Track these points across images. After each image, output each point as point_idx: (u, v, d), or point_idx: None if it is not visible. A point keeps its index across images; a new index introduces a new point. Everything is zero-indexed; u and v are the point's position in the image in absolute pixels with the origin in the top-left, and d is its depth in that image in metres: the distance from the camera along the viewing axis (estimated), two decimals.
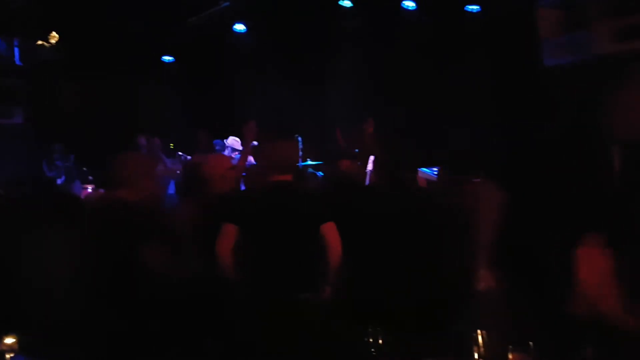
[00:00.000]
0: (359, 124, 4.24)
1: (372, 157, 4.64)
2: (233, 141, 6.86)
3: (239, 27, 8.33)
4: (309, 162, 7.28)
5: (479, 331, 2.25)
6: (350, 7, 7.97)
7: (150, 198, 2.83)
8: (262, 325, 2.65)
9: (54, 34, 7.72)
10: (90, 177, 7.44)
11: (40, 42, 7.75)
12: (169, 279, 2.55)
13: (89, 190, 7.04)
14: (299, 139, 7.70)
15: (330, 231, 2.81)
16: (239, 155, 6.56)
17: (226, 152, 6.75)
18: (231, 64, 8.25)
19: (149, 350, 2.43)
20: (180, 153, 7.02)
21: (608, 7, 4.46)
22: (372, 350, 2.37)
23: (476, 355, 2.23)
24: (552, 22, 5.07)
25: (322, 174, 6.01)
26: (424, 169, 6.32)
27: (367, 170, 4.75)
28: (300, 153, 7.71)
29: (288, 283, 2.76)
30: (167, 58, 8.90)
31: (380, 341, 2.39)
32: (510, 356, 2.14)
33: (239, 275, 2.74)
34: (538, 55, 5.41)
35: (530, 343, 2.15)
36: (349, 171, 3.72)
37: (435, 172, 6.16)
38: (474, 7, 7.51)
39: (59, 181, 7.64)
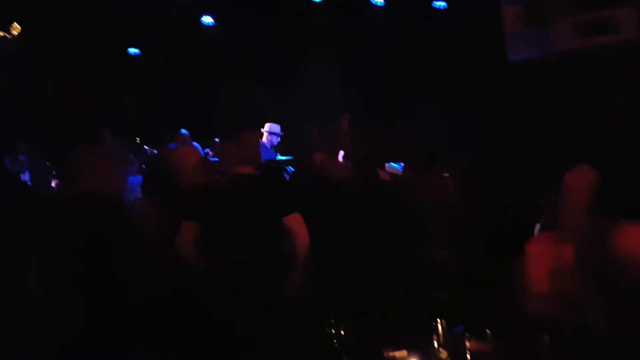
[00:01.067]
0: (334, 120, 4.24)
1: (342, 152, 4.65)
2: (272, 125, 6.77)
3: (207, 19, 8.24)
4: (279, 158, 7.26)
5: (438, 320, 2.29)
6: (320, 2, 7.97)
7: (113, 190, 2.78)
8: (228, 318, 2.63)
9: (15, 25, 7.52)
10: (54, 172, 7.29)
11: (1, 34, 7.54)
12: (137, 273, 2.51)
13: (53, 185, 6.90)
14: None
15: (295, 222, 2.80)
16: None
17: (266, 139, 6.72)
18: (199, 57, 8.16)
19: (119, 346, 2.40)
20: (146, 147, 6.93)
21: (569, 4, 4.55)
22: (335, 342, 2.39)
23: (436, 344, 2.27)
24: (515, 18, 5.15)
25: (292, 169, 6.00)
26: (392, 164, 6.38)
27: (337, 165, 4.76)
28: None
29: (252, 276, 2.75)
30: (133, 50, 8.76)
31: (343, 333, 2.42)
32: (467, 344, 2.18)
33: (202, 269, 2.71)
34: (503, 50, 5.51)
35: (488, 331, 2.20)
36: (322, 164, 3.72)
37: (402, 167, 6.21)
38: (441, 4, 7.61)
39: (23, 177, 7.47)
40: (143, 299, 2.47)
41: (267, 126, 6.88)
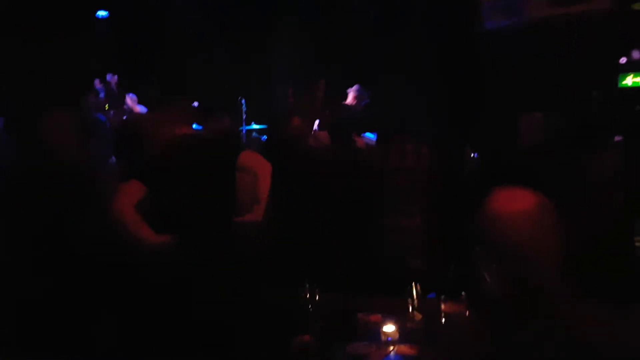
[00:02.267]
0: (311, 85, 4.17)
1: (317, 121, 4.62)
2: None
3: None
4: (254, 126, 7.19)
5: (413, 284, 2.32)
6: None
7: (81, 160, 2.70)
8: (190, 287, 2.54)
9: None
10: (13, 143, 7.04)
11: None
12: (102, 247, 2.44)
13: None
14: (242, 101, 7.59)
15: (249, 158, 2.69)
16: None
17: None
18: (169, 23, 7.95)
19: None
20: (112, 113, 6.77)
21: None
22: (310, 306, 2.40)
23: (410, 308, 2.30)
24: None
25: (266, 138, 5.94)
26: (368, 134, 6.38)
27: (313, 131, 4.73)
28: (244, 116, 7.61)
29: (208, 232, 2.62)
30: (101, 13, 8.47)
31: (317, 298, 2.42)
32: (442, 306, 2.21)
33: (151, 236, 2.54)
34: (479, 18, 5.50)
35: (463, 293, 2.23)
36: (298, 129, 3.67)
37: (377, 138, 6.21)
38: None
39: None
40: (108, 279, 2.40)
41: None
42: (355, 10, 7.47)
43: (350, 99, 6.18)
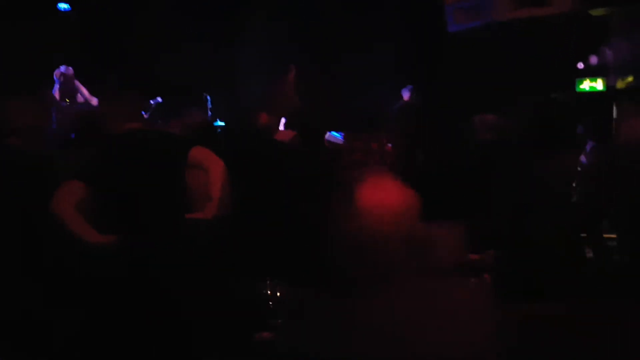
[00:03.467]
0: (281, 73, 4.14)
1: (283, 120, 4.62)
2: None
3: None
4: (218, 123, 7.13)
5: None
6: None
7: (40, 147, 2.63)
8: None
9: None
10: None
11: None
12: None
13: None
14: (208, 97, 7.52)
15: (199, 153, 2.57)
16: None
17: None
18: (135, 17, 7.81)
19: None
20: (65, 105, 6.61)
21: None
22: (270, 303, 2.39)
23: None
24: None
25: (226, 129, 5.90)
26: (333, 133, 6.41)
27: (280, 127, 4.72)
28: (210, 113, 7.53)
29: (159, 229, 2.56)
30: (62, 6, 8.26)
31: (279, 294, 2.41)
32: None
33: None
34: (443, 20, 5.59)
35: None
36: (266, 124, 3.65)
37: (343, 136, 6.25)
38: None
39: None
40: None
41: None
42: (326, 10, 7.51)
43: (405, 97, 6.25)
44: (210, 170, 2.53)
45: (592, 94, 6.12)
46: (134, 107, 2.78)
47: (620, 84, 6.01)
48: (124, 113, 2.67)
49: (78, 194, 2.38)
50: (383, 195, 1.33)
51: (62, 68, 6.72)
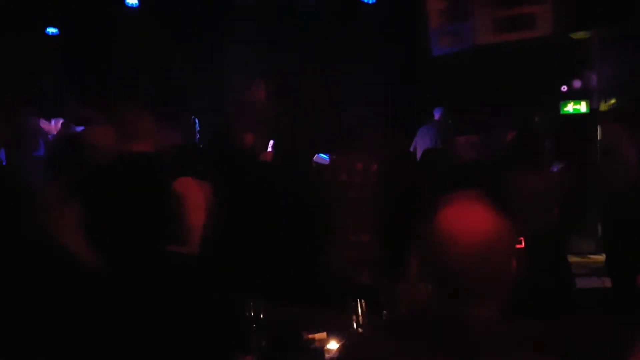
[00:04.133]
0: (250, 87, 4.13)
1: (271, 142, 4.61)
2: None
3: (131, 0, 7.94)
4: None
5: (358, 301, 2.31)
6: None
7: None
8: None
9: None
10: None
11: None
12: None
13: None
14: (196, 120, 7.52)
15: (183, 184, 2.60)
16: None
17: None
18: (122, 39, 7.85)
19: None
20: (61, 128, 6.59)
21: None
22: (254, 325, 2.36)
23: (355, 325, 2.28)
24: (439, 13, 5.30)
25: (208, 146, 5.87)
26: (321, 155, 6.41)
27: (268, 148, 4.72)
28: (197, 136, 7.53)
29: (148, 255, 2.54)
30: (51, 30, 8.29)
31: (262, 316, 2.38)
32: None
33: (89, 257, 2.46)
34: (427, 43, 5.66)
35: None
36: (252, 146, 3.64)
37: (330, 157, 6.24)
38: None
39: None
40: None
41: None
42: (310, 31, 7.59)
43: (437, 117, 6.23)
44: (189, 204, 2.53)
45: (576, 116, 6.21)
46: (129, 127, 2.75)
47: (603, 106, 6.10)
48: (120, 133, 2.66)
49: (74, 212, 2.38)
50: (476, 222, 1.20)
51: (52, 122, 6.67)
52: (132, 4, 7.97)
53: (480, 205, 1.23)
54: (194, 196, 2.56)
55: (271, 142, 4.58)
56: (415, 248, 1.29)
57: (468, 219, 1.20)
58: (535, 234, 2.54)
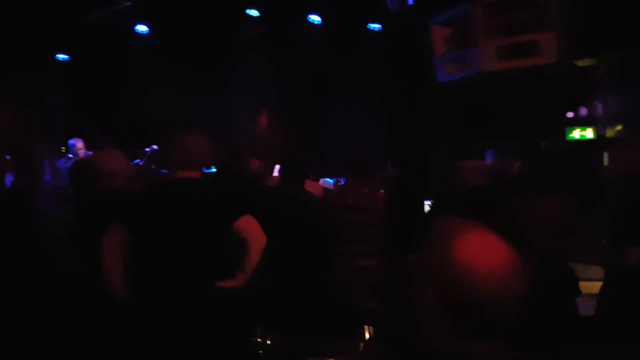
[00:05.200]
0: (254, 116, 4.17)
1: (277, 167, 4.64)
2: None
3: (142, 27, 8.08)
4: (213, 170, 7.14)
5: (365, 327, 2.29)
6: (257, 17, 7.99)
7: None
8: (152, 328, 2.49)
9: None
10: None
11: None
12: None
13: None
14: None
15: (248, 223, 2.65)
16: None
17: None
18: (132, 66, 7.97)
19: None
20: (70, 155, 6.64)
21: (495, 27, 4.78)
22: (260, 351, 2.34)
23: (361, 351, 2.26)
24: (444, 40, 5.35)
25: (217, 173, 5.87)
26: (327, 179, 6.42)
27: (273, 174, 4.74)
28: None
29: (182, 284, 2.59)
30: (61, 56, 8.44)
31: (269, 342, 2.37)
32: None
33: (130, 292, 2.51)
34: (433, 71, 5.71)
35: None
36: (258, 171, 3.67)
37: (337, 182, 6.24)
38: (375, 26, 7.84)
39: None
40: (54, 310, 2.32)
41: None
42: (317, 58, 7.68)
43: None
44: (252, 243, 2.59)
45: (582, 142, 6.22)
46: (194, 151, 2.77)
47: (610, 133, 6.11)
48: (177, 158, 2.69)
49: (121, 238, 2.44)
50: (487, 254, 1.18)
51: (71, 141, 6.73)
52: (142, 31, 8.11)
53: (492, 235, 1.22)
54: (256, 237, 2.61)
55: (277, 167, 4.60)
56: (423, 276, 1.27)
57: (483, 250, 1.19)
58: (544, 260, 2.52)
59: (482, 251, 1.20)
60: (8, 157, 2.84)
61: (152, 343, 2.44)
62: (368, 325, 2.29)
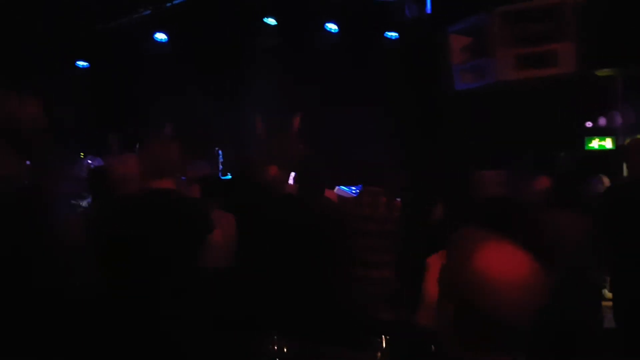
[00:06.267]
0: (286, 116, 4.16)
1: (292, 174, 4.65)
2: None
3: (160, 36, 8.17)
4: (229, 177, 7.20)
5: (382, 337, 2.29)
6: (274, 25, 8.05)
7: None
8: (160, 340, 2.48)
9: None
10: None
11: None
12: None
13: None
14: (220, 152, 7.63)
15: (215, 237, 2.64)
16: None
17: None
18: (150, 73, 8.06)
19: None
20: (89, 161, 6.72)
21: (512, 36, 4.78)
22: (277, 359, 2.35)
23: None
24: (461, 48, 5.35)
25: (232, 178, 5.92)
26: (343, 187, 6.41)
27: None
28: (221, 167, 7.63)
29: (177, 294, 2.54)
30: (81, 63, 8.56)
31: (285, 350, 2.38)
32: None
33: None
34: (450, 79, 5.71)
35: (432, 347, 2.20)
36: (276, 178, 3.68)
37: (354, 190, 6.25)
38: (392, 34, 7.85)
39: None
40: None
41: None
42: (335, 67, 7.70)
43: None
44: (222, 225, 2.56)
45: (600, 152, 6.16)
46: (161, 158, 2.73)
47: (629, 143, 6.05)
48: (150, 166, 2.66)
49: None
50: (503, 263, 1.18)
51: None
52: (160, 39, 8.20)
53: (511, 246, 1.22)
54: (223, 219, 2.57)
55: (292, 174, 4.62)
56: (443, 288, 1.27)
57: (499, 260, 1.19)
58: (568, 274, 2.51)
59: (498, 261, 1.20)
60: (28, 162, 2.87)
61: (156, 352, 2.42)
62: (384, 336, 2.29)
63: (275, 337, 2.36)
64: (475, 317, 1.19)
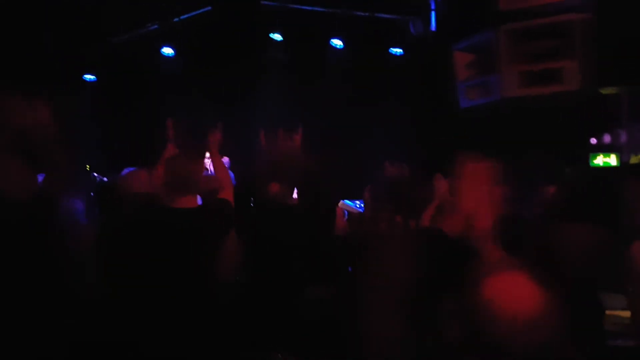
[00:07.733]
0: (287, 129, 4.16)
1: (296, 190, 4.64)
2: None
3: (167, 50, 8.23)
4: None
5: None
6: (280, 41, 8.12)
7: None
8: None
9: None
10: None
11: None
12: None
13: None
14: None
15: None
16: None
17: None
18: (157, 87, 8.12)
19: None
20: (95, 174, 6.74)
21: (517, 54, 4.81)
22: None
23: None
24: (466, 65, 5.38)
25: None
26: (347, 201, 6.39)
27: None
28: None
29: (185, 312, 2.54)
30: (88, 77, 8.63)
31: None
32: None
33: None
34: (454, 96, 5.74)
35: None
36: (277, 195, 3.66)
37: (359, 205, 6.23)
38: (397, 50, 7.90)
39: None
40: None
41: None
42: (339, 82, 7.74)
43: None
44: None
45: (604, 169, 6.15)
46: (183, 174, 2.72)
47: (634, 159, 6.04)
48: (172, 184, 2.64)
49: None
50: (512, 294, 1.19)
51: None
52: (168, 53, 8.27)
53: (523, 275, 1.23)
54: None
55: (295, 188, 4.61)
56: (456, 314, 1.28)
57: (508, 290, 1.20)
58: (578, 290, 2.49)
59: (507, 290, 1.21)
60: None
61: None
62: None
63: (280, 354, 2.35)
64: (480, 343, 1.21)
